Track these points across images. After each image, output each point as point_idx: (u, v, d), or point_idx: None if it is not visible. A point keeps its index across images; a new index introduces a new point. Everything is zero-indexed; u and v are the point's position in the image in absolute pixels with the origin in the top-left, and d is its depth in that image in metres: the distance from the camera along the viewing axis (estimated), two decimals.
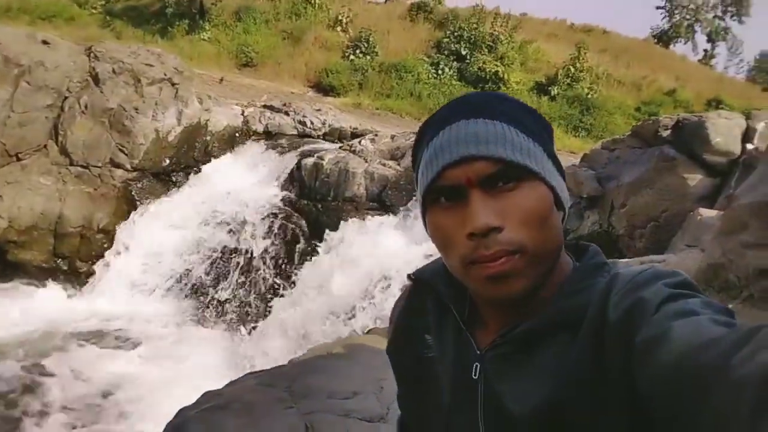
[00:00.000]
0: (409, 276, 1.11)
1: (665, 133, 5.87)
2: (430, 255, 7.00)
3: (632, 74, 21.38)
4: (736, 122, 5.54)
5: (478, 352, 0.92)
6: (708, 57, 31.09)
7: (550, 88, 18.90)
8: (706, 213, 5.29)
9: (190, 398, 5.49)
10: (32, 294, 7.88)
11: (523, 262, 0.80)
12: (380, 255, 7.25)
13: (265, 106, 10.47)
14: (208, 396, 3.05)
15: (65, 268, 8.93)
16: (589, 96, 18.90)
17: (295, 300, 7.35)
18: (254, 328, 7.48)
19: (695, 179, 5.60)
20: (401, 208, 7.83)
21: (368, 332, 5.76)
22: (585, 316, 0.78)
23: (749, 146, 5.47)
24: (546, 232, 0.83)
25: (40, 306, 7.60)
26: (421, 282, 1.06)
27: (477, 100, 0.88)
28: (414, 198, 7.96)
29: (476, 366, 0.92)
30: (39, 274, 8.71)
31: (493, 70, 18.24)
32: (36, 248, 8.92)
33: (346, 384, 3.08)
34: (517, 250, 0.79)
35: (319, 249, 7.82)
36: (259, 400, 2.80)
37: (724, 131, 5.56)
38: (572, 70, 18.93)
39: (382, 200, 8.30)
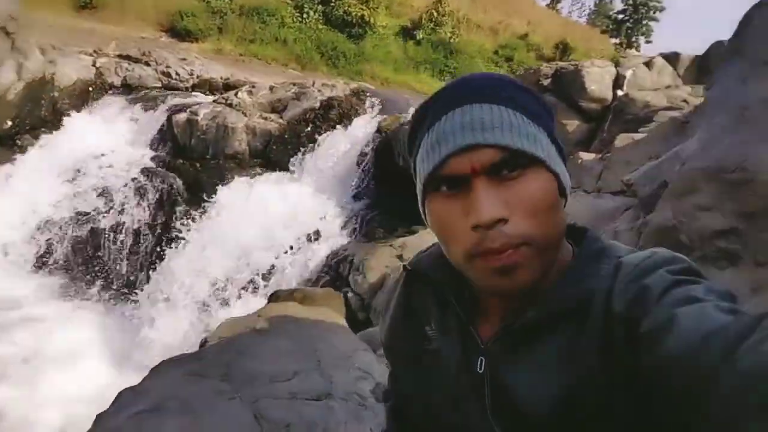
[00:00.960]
0: (404, 266, 1.07)
1: (546, 82, 6.16)
2: (321, 213, 6.91)
3: (489, 18, 22.20)
4: (607, 70, 5.94)
5: (482, 346, 0.91)
6: (554, 1, 33.11)
7: (415, 32, 19.05)
8: (585, 156, 5.70)
9: (83, 387, 5.04)
10: None
11: (529, 253, 0.78)
12: (273, 213, 7.00)
13: (120, 56, 9.42)
14: (128, 396, 2.78)
15: None
16: (452, 40, 19.35)
17: (181, 268, 6.90)
18: (137, 301, 6.94)
19: (573, 125, 5.99)
20: (293, 165, 7.56)
21: (272, 297, 5.60)
22: (590, 305, 0.78)
23: (619, 92, 5.92)
24: (552, 221, 0.81)
25: None
26: (418, 274, 1.02)
27: (480, 84, 0.84)
28: (301, 152, 7.72)
29: (481, 360, 0.90)
30: None
31: (358, 14, 17.93)
32: None
33: (284, 364, 2.95)
34: (523, 241, 0.77)
35: (203, 210, 7.37)
36: (196, 395, 2.59)
37: (598, 79, 5.96)
38: (435, 14, 19.19)
39: (267, 156, 7.95)
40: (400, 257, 5.40)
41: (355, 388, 3.01)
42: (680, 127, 4.63)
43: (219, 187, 7.42)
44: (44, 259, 7.42)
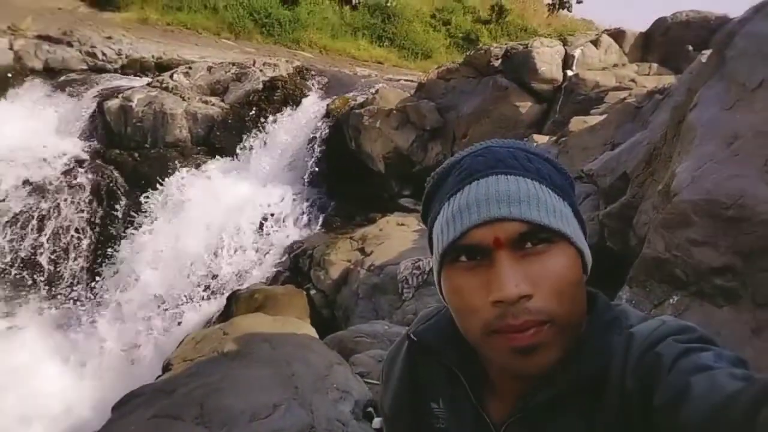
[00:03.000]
0: (408, 336, 1.01)
1: (496, 63, 6.10)
2: (272, 203, 6.67)
3: None
4: (557, 50, 5.94)
5: (494, 430, 0.88)
6: None
7: None
8: (540, 139, 5.72)
9: (41, 402, 4.73)
10: None
11: (552, 332, 0.75)
12: (223, 202, 6.71)
13: (40, 37, 8.66)
14: None
15: None
16: (389, 5, 18.96)
17: (128, 268, 6.56)
18: (83, 305, 6.57)
19: (526, 106, 5.98)
20: (240, 152, 7.24)
21: (231, 297, 5.40)
22: (604, 380, 0.76)
23: (569, 72, 5.94)
24: (576, 299, 0.78)
25: None
26: (425, 347, 0.97)
27: (504, 154, 0.81)
28: (247, 137, 7.41)
29: None
30: None
31: None
32: None
33: (262, 396, 2.83)
34: (547, 320, 0.74)
35: (146, 204, 6.99)
36: None
37: (548, 59, 5.95)
38: None
39: (211, 142, 7.58)
40: (361, 250, 5.31)
41: (336, 413, 2.94)
42: (634, 112, 4.69)
43: (162, 180, 7.03)
44: None
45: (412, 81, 8.66)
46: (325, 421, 2.84)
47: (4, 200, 7.20)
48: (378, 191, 6.65)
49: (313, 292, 5.24)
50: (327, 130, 6.92)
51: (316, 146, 6.91)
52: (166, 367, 3.63)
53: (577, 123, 5.32)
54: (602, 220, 4.04)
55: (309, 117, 7.17)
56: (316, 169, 6.88)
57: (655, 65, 5.93)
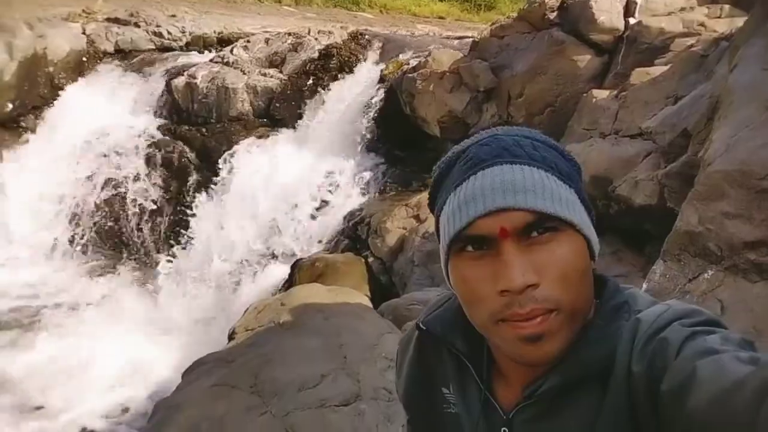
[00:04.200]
0: (417, 326, 1.04)
1: (552, 16, 5.82)
2: (331, 172, 6.79)
3: None
4: None
5: (504, 416, 0.89)
6: None
7: None
8: (599, 94, 5.46)
9: (117, 366, 5.19)
10: None
11: (559, 321, 0.75)
12: (285, 173, 6.92)
13: (109, 20, 9.09)
14: (164, 410, 2.87)
15: None
16: None
17: (200, 239, 6.96)
18: (161, 274, 7.04)
19: (584, 60, 5.71)
20: (299, 122, 7.38)
21: (295, 266, 5.62)
22: (612, 366, 0.76)
23: (631, 20, 5.59)
24: (583, 287, 0.79)
25: None
26: (433, 336, 0.99)
27: (509, 142, 0.81)
28: (305, 108, 7.53)
29: (504, 430, 0.89)
30: None
31: None
32: None
33: (311, 367, 2.99)
34: (553, 308, 0.74)
35: (216, 178, 7.32)
36: (228, 412, 2.65)
37: (607, 7, 5.61)
38: None
39: (272, 114, 7.78)
40: (416, 217, 5.36)
41: (383, 382, 3.06)
42: (698, 61, 4.37)
43: (227, 154, 7.32)
44: (67, 241, 7.52)
45: (472, 38, 8.41)
46: (372, 390, 2.97)
47: (90, 177, 7.76)
48: (435, 156, 6.62)
49: (371, 259, 5.37)
50: (382, 96, 6.91)
51: (371, 113, 6.93)
52: (231, 336, 3.88)
53: (639, 75, 5.02)
54: (662, 180, 3.86)
55: (364, 84, 7.18)
56: (372, 136, 6.92)
57: (727, 7, 5.45)
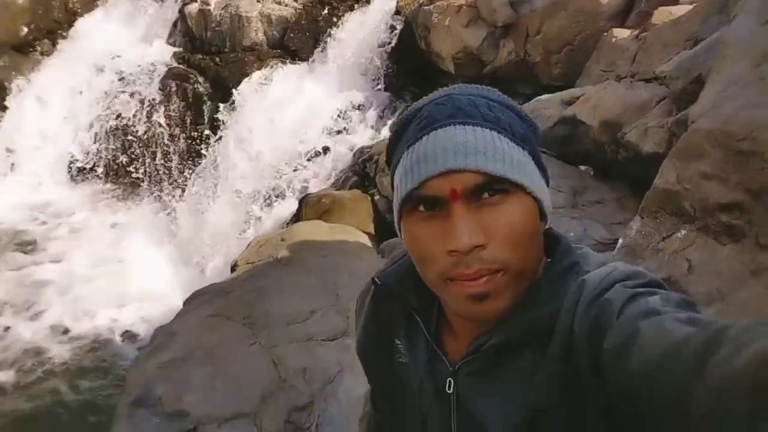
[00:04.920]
0: (373, 279, 1.10)
1: None
2: (343, 107, 6.73)
3: None
4: None
5: (450, 368, 0.92)
6: None
7: None
8: (620, 33, 5.25)
9: (135, 289, 5.42)
10: None
11: (505, 280, 0.77)
12: (296, 107, 6.88)
13: None
14: (161, 337, 3.01)
15: None
16: None
17: (211, 172, 7.03)
18: (177, 203, 7.19)
19: None
20: (315, 54, 7.25)
21: (302, 201, 5.69)
22: (554, 327, 0.78)
23: None
24: (530, 248, 0.80)
25: None
26: (388, 290, 1.03)
27: (464, 102, 0.81)
28: (320, 39, 7.39)
29: (449, 381, 0.93)
30: None
31: None
32: None
33: (302, 303, 3.09)
34: (500, 268, 0.76)
35: (228, 108, 7.31)
36: (220, 342, 2.78)
37: None
38: None
39: (286, 45, 7.64)
40: None
41: None
42: (722, 2, 4.12)
43: (240, 84, 7.27)
44: (82, 167, 7.67)
45: None
46: None
47: (103, 103, 7.81)
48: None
49: (377, 197, 5.38)
50: (397, 30, 6.73)
51: (386, 47, 6.77)
52: (233, 268, 4.00)
53: (661, 14, 4.79)
54: (671, 128, 3.76)
55: (380, 15, 6.97)
56: (386, 71, 6.78)
57: None
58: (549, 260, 0.90)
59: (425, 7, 6.43)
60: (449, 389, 0.91)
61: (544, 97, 5.09)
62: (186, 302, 3.39)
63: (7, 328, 4.91)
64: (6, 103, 7.72)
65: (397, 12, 6.89)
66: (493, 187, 0.76)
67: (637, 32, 5.00)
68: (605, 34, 5.31)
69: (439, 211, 0.77)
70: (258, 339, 2.77)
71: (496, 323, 0.82)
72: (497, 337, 0.83)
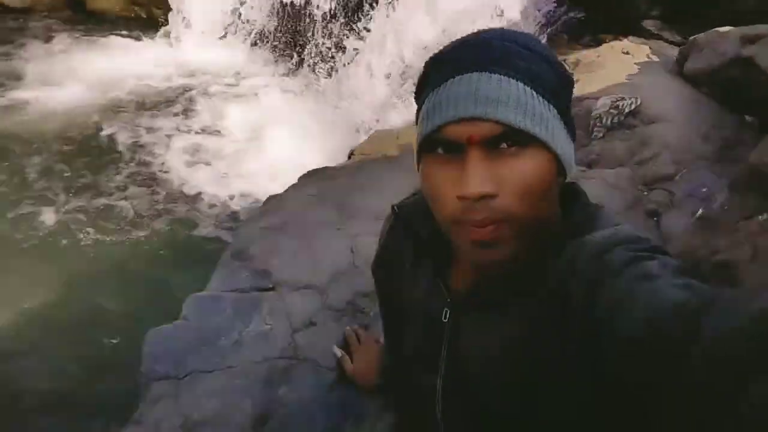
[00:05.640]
0: (392, 207, 1.20)
1: None
2: (506, 12, 6.30)
3: None
4: None
5: (449, 300, 0.99)
6: None
7: None
8: None
9: (264, 163, 5.96)
10: (113, 45, 8.10)
11: (511, 231, 0.80)
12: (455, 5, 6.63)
13: None
14: (269, 203, 3.37)
15: (144, 15, 9.01)
16: None
17: (367, 52, 7.15)
18: (331, 75, 7.48)
19: None
20: None
21: None
22: (554, 282, 0.81)
23: None
24: (541, 204, 0.82)
25: (124, 58, 7.84)
26: (403, 220, 1.12)
27: (495, 48, 0.81)
28: None
29: (446, 311, 1.00)
30: (120, 24, 8.84)
31: None
32: None
33: (390, 199, 3.25)
34: (507, 218, 0.79)
35: None
36: (312, 221, 3.06)
37: None
38: None
39: None
40: None
41: None
42: None
43: None
44: (248, 32, 8.17)
45: None
46: None
47: None
48: (623, 8, 5.87)
49: None
50: None
51: None
52: (350, 155, 4.25)
53: None
54: None
55: None
56: None
57: None
58: (561, 221, 0.94)
59: None
60: (445, 318, 0.99)
61: (724, 29, 4.40)
62: (300, 177, 3.69)
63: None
64: None
65: None
66: (512, 138, 0.78)
67: None
68: None
69: (456, 154, 0.80)
70: (343, 226, 3.02)
71: (499, 267, 0.86)
72: (498, 282, 0.89)
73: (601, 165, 4.02)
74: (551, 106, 0.80)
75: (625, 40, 5.28)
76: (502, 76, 0.77)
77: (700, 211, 1.92)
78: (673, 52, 4.80)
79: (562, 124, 0.86)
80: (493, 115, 0.75)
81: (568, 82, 0.89)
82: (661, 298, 0.61)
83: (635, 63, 4.82)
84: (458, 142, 0.78)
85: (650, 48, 5.02)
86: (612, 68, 4.75)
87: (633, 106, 4.10)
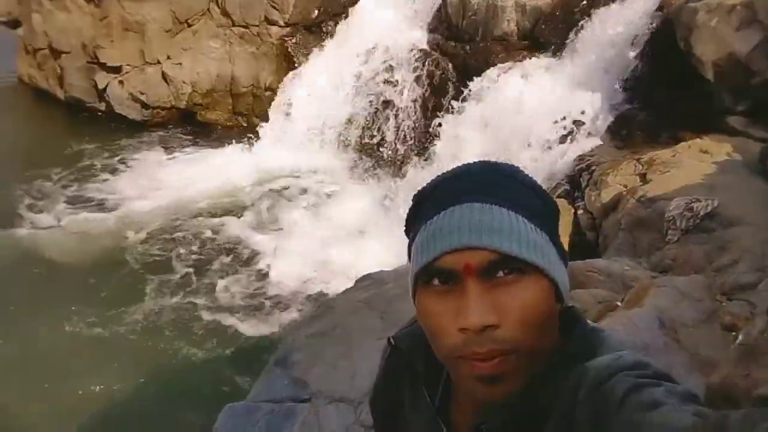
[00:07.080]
0: (388, 340, 1.17)
1: None
2: (588, 106, 6.34)
3: None
4: None
5: None
6: None
7: None
8: None
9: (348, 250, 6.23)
10: (217, 154, 8.97)
11: (517, 363, 0.77)
12: (531, 100, 6.75)
13: None
14: (323, 307, 3.44)
15: (245, 124, 9.92)
16: None
17: (442, 157, 7.37)
18: (403, 177, 7.76)
19: None
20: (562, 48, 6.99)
21: None
22: (557, 411, 0.77)
23: None
24: (544, 330, 0.80)
25: (225, 164, 8.65)
26: (399, 352, 1.10)
27: (483, 178, 0.82)
28: (570, 33, 7.05)
29: None
30: (224, 133, 9.78)
31: None
32: (219, 108, 9.98)
33: None
34: (512, 350, 0.76)
35: (467, 96, 7.52)
36: (356, 328, 3.08)
37: None
38: None
39: (535, 37, 7.47)
40: (642, 176, 4.81)
41: None
42: None
43: (481, 76, 7.41)
44: (335, 137, 8.77)
45: None
46: None
47: (366, 82, 8.73)
48: (699, 107, 5.67)
49: (580, 212, 5.09)
50: (653, 27, 6.07)
51: (639, 45, 6.17)
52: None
53: None
54: None
55: (638, 11, 6.35)
56: (634, 72, 6.20)
57: None
58: (563, 342, 0.92)
59: (691, 4, 5.66)
60: None
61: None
62: (356, 281, 3.77)
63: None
64: (291, 76, 9.16)
65: (660, 8, 6.19)
66: (508, 266, 0.76)
67: None
68: None
69: (453, 285, 0.77)
70: (385, 335, 3.02)
71: (500, 402, 0.82)
72: (500, 417, 0.83)
73: (675, 271, 3.76)
74: (543, 233, 0.80)
75: (706, 137, 5.06)
76: (492, 206, 0.78)
77: (740, 337, 1.73)
78: (758, 149, 4.53)
79: (554, 249, 0.85)
80: (489, 243, 0.75)
81: (554, 207, 0.86)
82: (670, 426, 0.60)
83: (713, 162, 4.57)
84: (455, 271, 0.77)
85: (732, 146, 4.76)
86: (688, 167, 4.52)
87: (709, 208, 3.86)
